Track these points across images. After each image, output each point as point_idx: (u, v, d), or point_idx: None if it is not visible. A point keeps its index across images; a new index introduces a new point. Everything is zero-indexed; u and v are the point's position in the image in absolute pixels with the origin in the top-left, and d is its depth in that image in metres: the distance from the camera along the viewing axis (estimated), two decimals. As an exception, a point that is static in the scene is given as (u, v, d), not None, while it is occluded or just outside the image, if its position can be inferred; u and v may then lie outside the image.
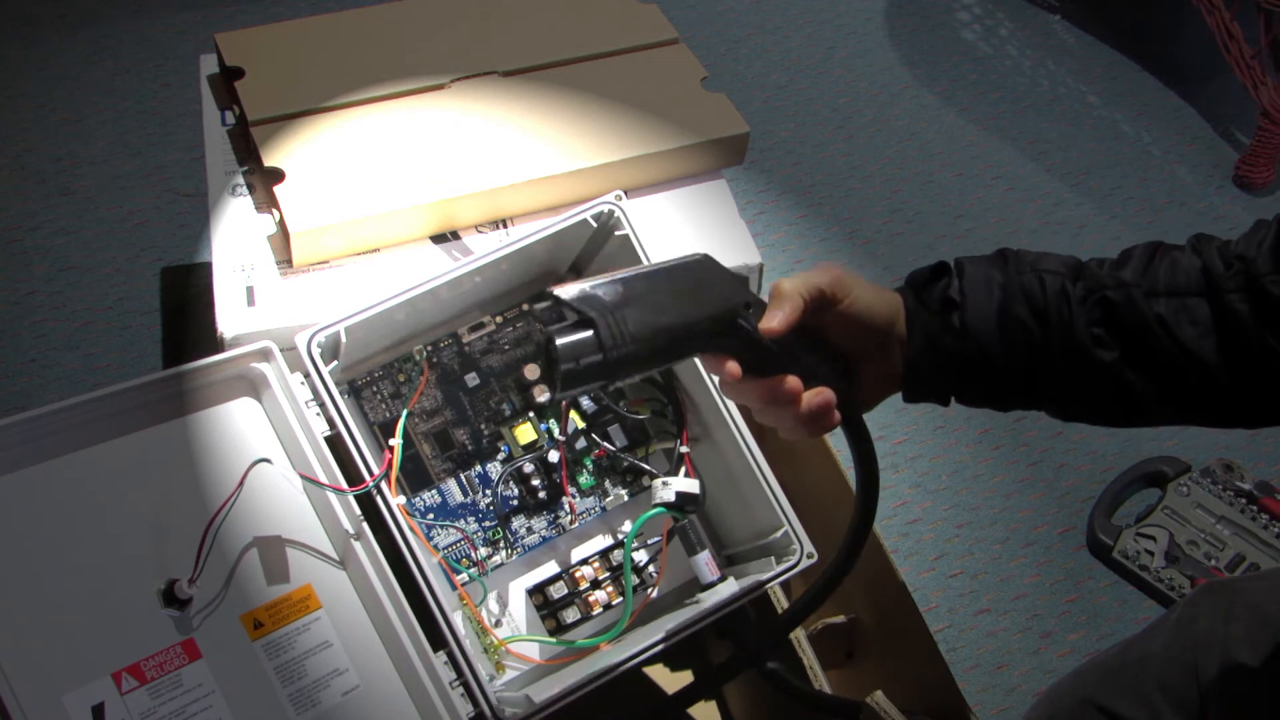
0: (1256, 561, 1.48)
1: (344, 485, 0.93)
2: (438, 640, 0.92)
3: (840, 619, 1.16)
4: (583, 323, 0.74)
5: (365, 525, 0.94)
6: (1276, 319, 0.76)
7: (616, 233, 1.02)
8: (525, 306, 1.08)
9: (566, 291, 0.75)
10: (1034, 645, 1.44)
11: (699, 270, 0.79)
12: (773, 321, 0.78)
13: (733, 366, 0.78)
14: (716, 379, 0.83)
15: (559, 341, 0.74)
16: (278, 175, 1.11)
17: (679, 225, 1.19)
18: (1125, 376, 0.80)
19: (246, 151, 1.19)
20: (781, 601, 1.18)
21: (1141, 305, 0.79)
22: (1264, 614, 0.89)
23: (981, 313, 0.82)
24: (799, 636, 1.16)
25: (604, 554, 1.06)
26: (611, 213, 1.01)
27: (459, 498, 1.04)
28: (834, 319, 0.82)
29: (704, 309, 0.77)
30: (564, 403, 1.05)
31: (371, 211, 1.10)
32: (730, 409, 1.02)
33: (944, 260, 0.85)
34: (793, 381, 0.78)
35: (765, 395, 0.79)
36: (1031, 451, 1.61)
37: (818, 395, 0.79)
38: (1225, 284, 0.77)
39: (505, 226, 1.17)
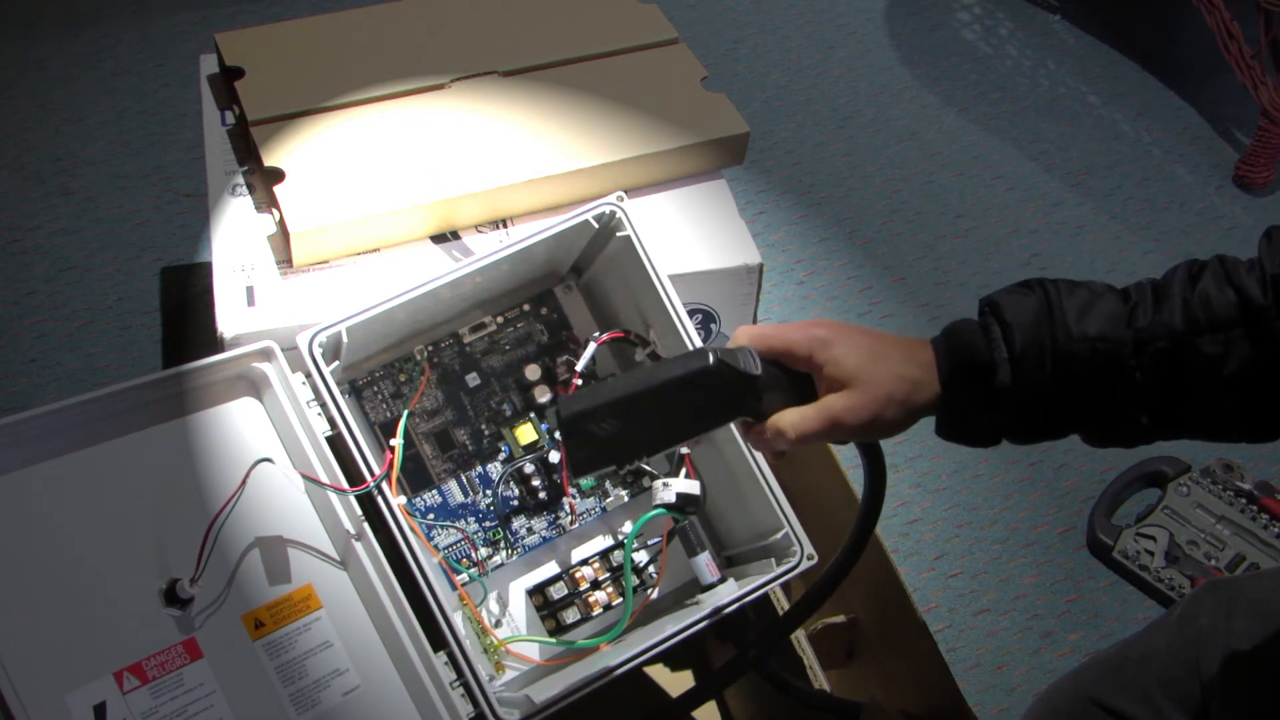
0: (1256, 561, 1.48)
1: (345, 485, 0.93)
2: (438, 640, 0.92)
3: (840, 619, 1.16)
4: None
5: (366, 525, 0.94)
6: None
7: (618, 234, 1.02)
8: (525, 307, 1.08)
9: (570, 409, 0.78)
10: (1034, 645, 1.44)
11: (706, 380, 0.78)
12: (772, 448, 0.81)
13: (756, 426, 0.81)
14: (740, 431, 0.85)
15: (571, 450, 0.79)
16: (278, 175, 1.11)
17: (679, 225, 1.19)
18: (1171, 420, 0.78)
19: (246, 151, 1.19)
20: (783, 603, 1.18)
21: (1188, 351, 0.76)
22: (1266, 610, 0.89)
23: (1037, 398, 0.78)
24: (799, 636, 1.16)
25: (604, 555, 1.06)
26: (613, 214, 1.01)
27: (459, 498, 1.04)
28: (827, 380, 0.79)
29: (712, 419, 0.81)
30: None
31: (371, 211, 1.10)
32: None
33: (968, 321, 0.80)
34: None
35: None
36: (1031, 451, 1.61)
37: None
38: (1269, 312, 0.75)
39: (505, 226, 1.17)
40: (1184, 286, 0.78)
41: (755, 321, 1.22)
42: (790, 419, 0.79)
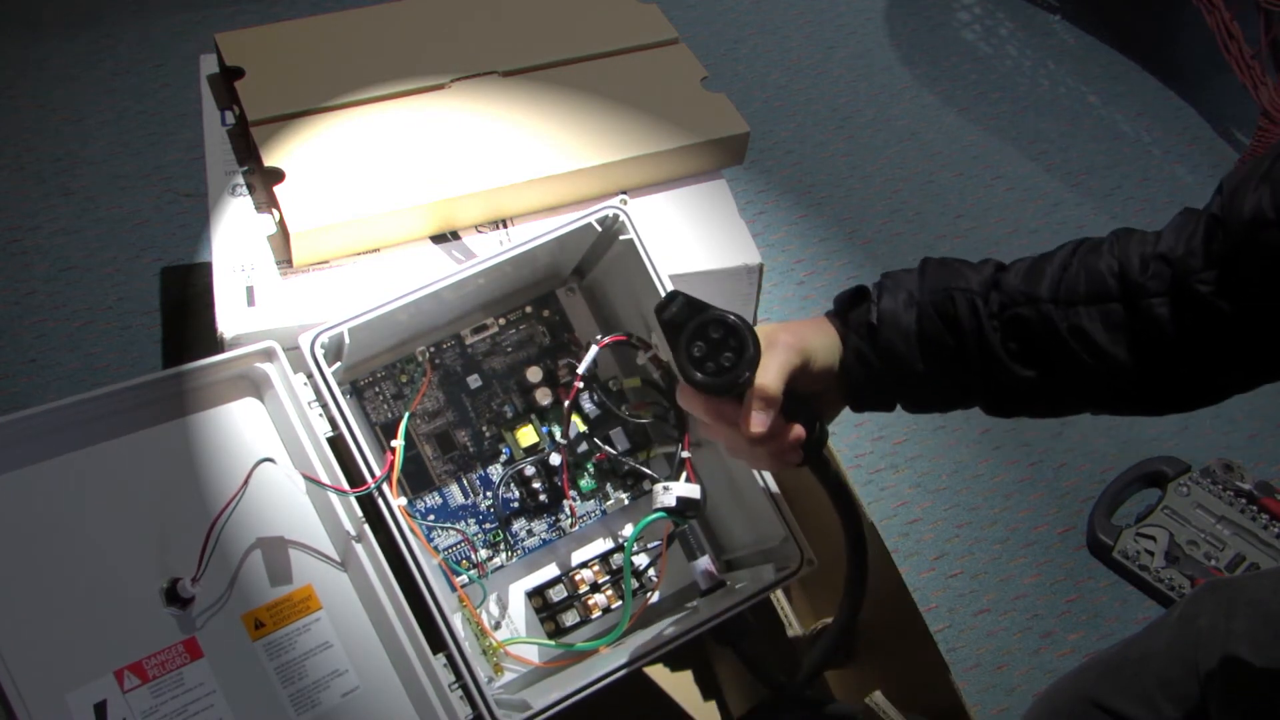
0: (1256, 561, 1.48)
1: (346, 486, 0.93)
2: (437, 642, 0.92)
3: (840, 619, 1.16)
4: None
5: (366, 526, 0.94)
6: (1203, 318, 0.76)
7: (621, 237, 1.02)
8: (528, 309, 1.08)
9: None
10: (1034, 645, 1.44)
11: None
12: (758, 426, 0.82)
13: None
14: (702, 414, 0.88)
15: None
16: (278, 175, 1.11)
17: (679, 225, 1.19)
18: (1045, 384, 0.82)
19: (246, 151, 1.19)
20: (784, 606, 1.18)
21: (1056, 320, 0.80)
22: (1266, 611, 0.89)
23: (900, 333, 0.84)
24: (798, 636, 1.16)
25: (604, 557, 1.06)
26: (616, 216, 1.01)
27: (460, 499, 1.04)
28: (801, 378, 0.85)
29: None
30: (565, 405, 1.05)
31: (371, 211, 1.10)
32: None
33: (863, 284, 0.88)
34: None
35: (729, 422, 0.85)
36: (1031, 451, 1.61)
37: (791, 429, 0.85)
38: (1145, 289, 0.77)
39: (505, 226, 1.17)
40: (1066, 258, 0.82)
41: (755, 321, 1.22)
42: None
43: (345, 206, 1.10)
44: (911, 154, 2.01)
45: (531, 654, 1.02)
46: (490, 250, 0.99)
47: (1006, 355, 0.82)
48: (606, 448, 1.07)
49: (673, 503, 0.97)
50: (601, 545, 1.07)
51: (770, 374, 0.82)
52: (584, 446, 1.07)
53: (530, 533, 1.05)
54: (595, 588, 1.05)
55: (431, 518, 1.03)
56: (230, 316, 1.06)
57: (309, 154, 1.14)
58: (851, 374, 0.87)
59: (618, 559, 1.06)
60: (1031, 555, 1.53)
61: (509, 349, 1.07)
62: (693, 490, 0.97)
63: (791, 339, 0.84)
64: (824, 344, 0.87)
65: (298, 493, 0.96)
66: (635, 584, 1.04)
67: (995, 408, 0.87)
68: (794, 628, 1.17)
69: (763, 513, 1.01)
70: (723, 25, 2.20)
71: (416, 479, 1.03)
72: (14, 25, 1.99)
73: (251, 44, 1.23)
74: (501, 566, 1.04)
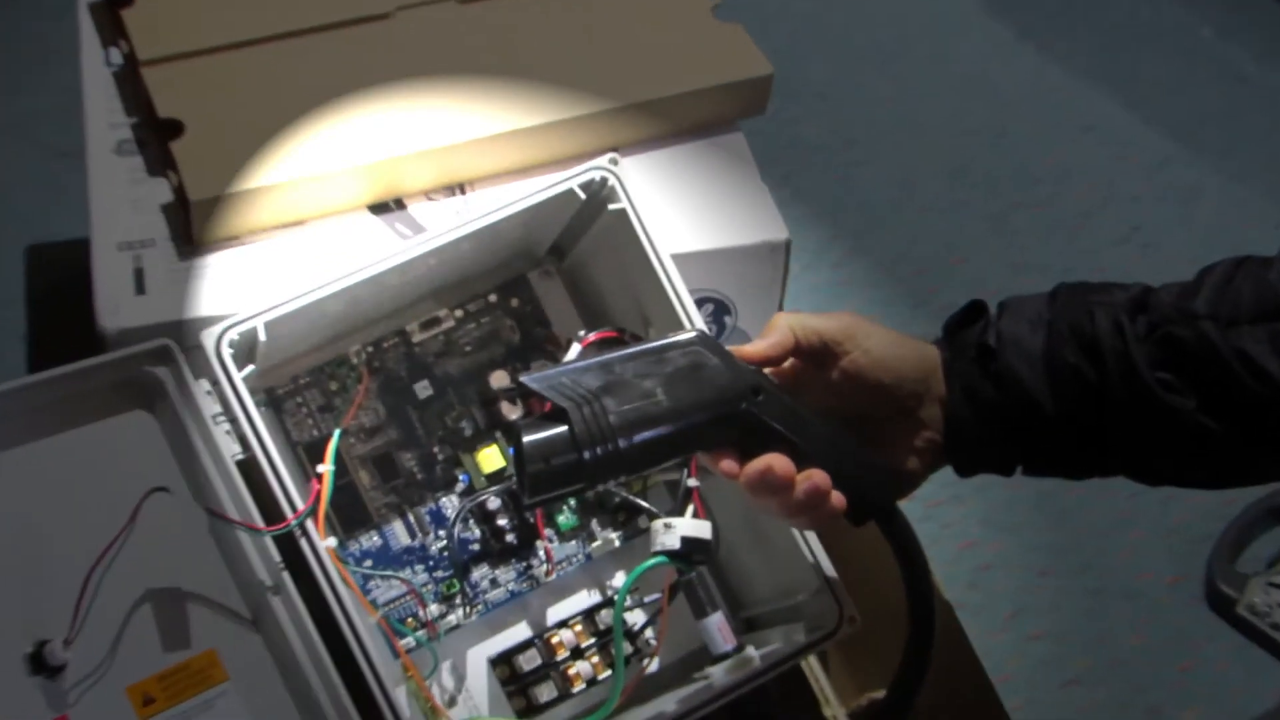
0: None
1: (260, 523, 0.93)
2: (377, 722, 0.92)
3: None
4: (556, 415, 0.80)
5: (286, 575, 0.93)
6: None
7: (610, 206, 1.02)
8: (492, 298, 1.08)
9: (534, 378, 0.82)
10: (1137, 726, 1.45)
11: (694, 351, 0.84)
12: (752, 348, 0.85)
13: (728, 465, 0.84)
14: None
15: (526, 439, 0.80)
16: (175, 129, 1.11)
17: (684, 192, 1.19)
18: (1206, 425, 0.81)
19: (136, 99, 1.19)
20: (818, 677, 1.18)
21: (1216, 341, 0.80)
22: None
23: (1024, 358, 0.84)
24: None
25: (589, 614, 1.06)
26: (604, 180, 1.01)
27: (405, 540, 1.04)
28: (842, 375, 0.86)
29: (703, 397, 0.83)
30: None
31: (294, 175, 1.10)
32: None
33: (978, 299, 0.88)
34: (781, 462, 0.82)
35: (752, 480, 0.83)
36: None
37: (808, 478, 0.83)
38: None
39: (463, 193, 1.17)
40: (1229, 270, 0.83)
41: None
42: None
43: (260, 168, 1.10)
44: (977, 102, 2.02)
45: (496, 738, 1.02)
46: (444, 223, 0.99)
47: (1158, 385, 0.81)
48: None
49: (676, 544, 0.96)
50: (586, 599, 1.08)
51: (794, 315, 0.86)
52: (564, 473, 1.07)
53: (494, 583, 1.05)
54: (577, 653, 1.05)
55: (369, 564, 1.03)
56: (114, 307, 1.06)
57: (215, 102, 1.14)
58: (957, 414, 0.86)
59: (607, 616, 1.06)
60: (1133, 611, 1.53)
61: (468, 348, 1.08)
62: (702, 529, 0.97)
63: (848, 316, 0.86)
64: (898, 348, 0.86)
65: (199, 532, 0.96)
66: (629, 649, 1.04)
67: (1140, 467, 0.86)
68: (831, 705, 1.17)
69: (791, 557, 1.01)
70: (739, -62, 2.20)
71: (350, 514, 1.03)
72: None
73: (141, -38, 1.23)
74: (457, 626, 1.04)
